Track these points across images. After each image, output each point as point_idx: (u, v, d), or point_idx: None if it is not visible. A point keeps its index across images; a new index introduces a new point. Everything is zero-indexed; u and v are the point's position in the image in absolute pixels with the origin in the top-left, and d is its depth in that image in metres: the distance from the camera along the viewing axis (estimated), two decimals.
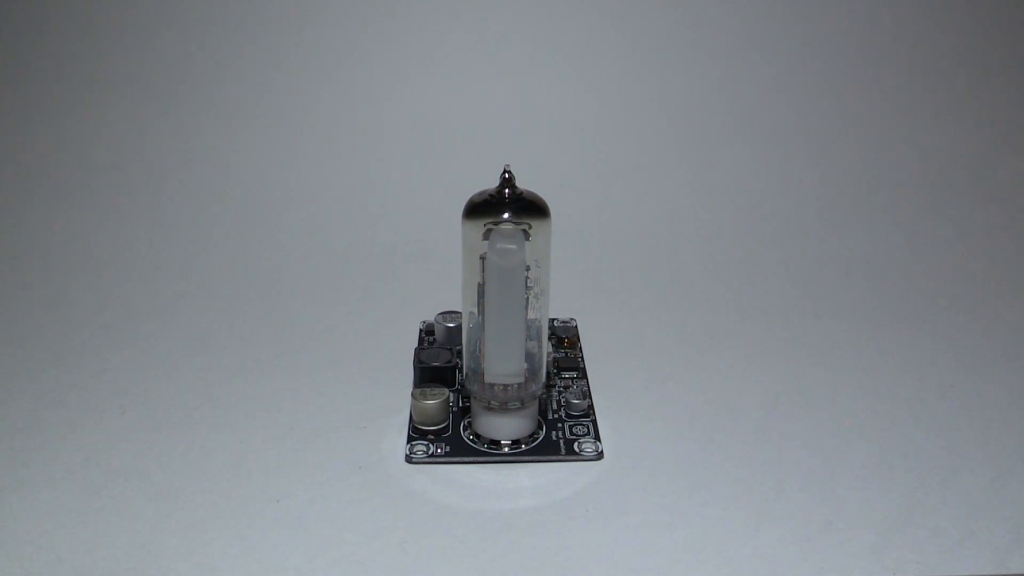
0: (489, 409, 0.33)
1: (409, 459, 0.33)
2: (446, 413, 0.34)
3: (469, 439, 0.34)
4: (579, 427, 0.34)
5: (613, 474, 0.32)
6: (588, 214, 0.50)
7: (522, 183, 0.32)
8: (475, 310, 0.33)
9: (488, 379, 0.33)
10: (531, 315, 0.33)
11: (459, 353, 0.35)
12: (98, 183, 0.51)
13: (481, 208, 0.32)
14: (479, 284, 0.32)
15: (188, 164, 0.53)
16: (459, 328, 0.38)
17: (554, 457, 0.33)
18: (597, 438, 0.34)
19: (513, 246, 0.31)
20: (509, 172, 0.32)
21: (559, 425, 0.35)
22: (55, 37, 0.54)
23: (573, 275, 0.46)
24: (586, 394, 0.36)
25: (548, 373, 0.36)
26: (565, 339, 0.40)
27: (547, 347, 0.35)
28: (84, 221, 0.50)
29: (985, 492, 0.31)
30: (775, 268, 0.47)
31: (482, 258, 0.32)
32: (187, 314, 0.43)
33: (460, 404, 0.36)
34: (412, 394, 0.34)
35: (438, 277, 0.46)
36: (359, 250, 0.48)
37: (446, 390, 0.35)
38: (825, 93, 0.53)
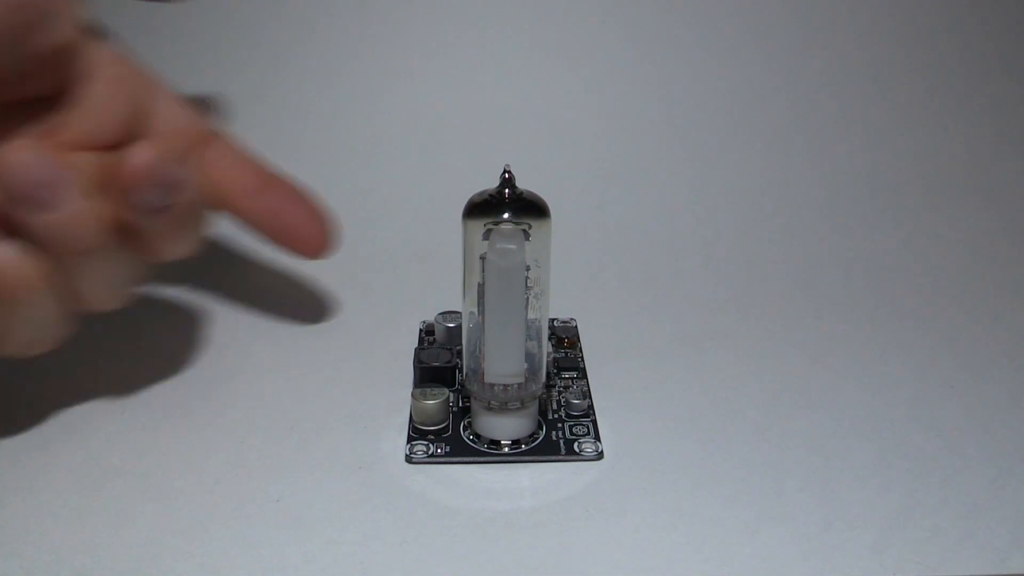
0: (489, 409, 0.33)
1: (409, 459, 0.33)
2: (446, 413, 0.34)
3: (469, 439, 0.34)
4: (579, 427, 0.34)
5: (613, 474, 0.32)
6: (588, 214, 0.50)
7: (522, 183, 0.32)
8: (475, 310, 0.33)
9: (488, 379, 0.33)
10: (531, 315, 0.33)
11: (459, 353, 0.35)
12: None
13: (481, 208, 0.32)
14: (479, 284, 0.32)
15: None
16: (459, 328, 0.38)
17: (554, 457, 0.33)
18: (597, 438, 0.34)
19: (513, 246, 0.31)
20: (509, 172, 0.32)
21: (559, 425, 0.35)
22: None
23: (573, 275, 0.46)
24: (586, 394, 0.36)
25: (548, 373, 0.36)
26: (565, 339, 0.40)
27: (547, 347, 0.35)
28: None
29: (985, 492, 0.31)
30: (775, 268, 0.47)
31: (482, 258, 0.32)
32: (187, 314, 0.43)
33: (460, 404, 0.36)
34: (412, 394, 0.34)
35: (438, 277, 0.46)
36: (359, 250, 0.48)
37: (446, 390, 0.35)
38: (825, 93, 0.53)
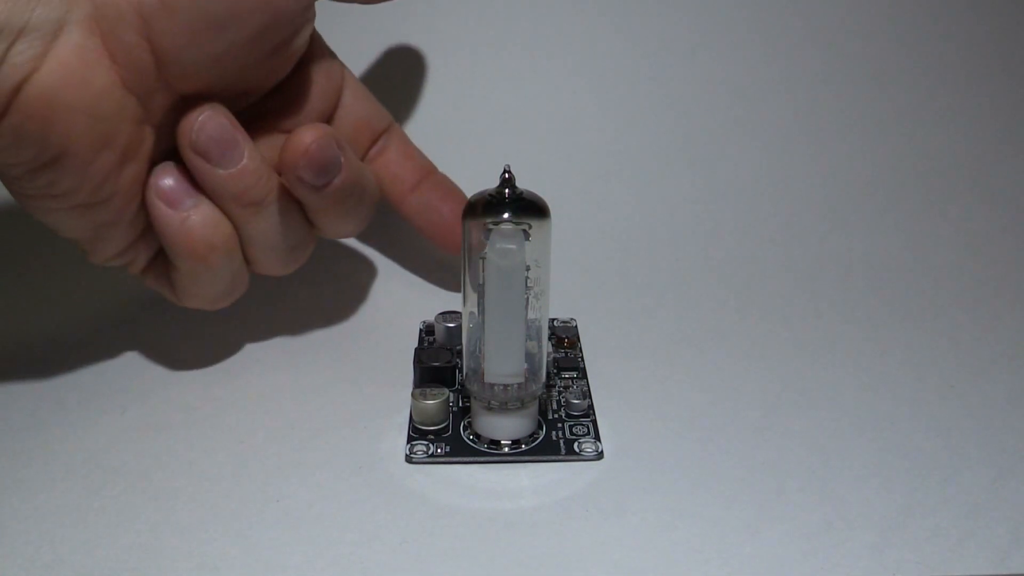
0: (489, 409, 0.33)
1: (409, 459, 0.33)
2: (446, 413, 0.34)
3: (469, 439, 0.34)
4: (579, 427, 0.34)
5: (613, 474, 0.32)
6: (588, 214, 0.50)
7: (522, 183, 0.32)
8: (475, 310, 0.33)
9: (488, 379, 0.33)
10: (531, 315, 0.33)
11: (459, 353, 0.35)
12: None
13: (481, 208, 0.32)
14: (479, 284, 0.32)
15: None
16: (459, 328, 0.38)
17: (554, 457, 0.33)
18: (597, 438, 0.34)
19: (513, 246, 0.31)
20: (509, 172, 0.32)
21: (559, 425, 0.35)
22: None
23: (573, 275, 0.46)
24: (586, 394, 0.36)
25: (548, 373, 0.36)
26: (565, 339, 0.40)
27: (547, 347, 0.35)
28: None
29: (985, 492, 0.31)
30: (775, 267, 0.47)
31: (482, 258, 0.32)
32: (187, 313, 0.43)
33: (460, 404, 0.36)
34: (412, 394, 0.34)
35: (438, 277, 0.46)
36: (359, 250, 0.48)
37: (446, 390, 0.35)
38: (825, 92, 0.53)
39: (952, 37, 0.54)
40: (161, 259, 0.37)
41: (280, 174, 0.35)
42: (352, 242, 0.48)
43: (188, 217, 0.34)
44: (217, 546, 0.29)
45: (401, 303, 0.44)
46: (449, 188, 0.43)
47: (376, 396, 0.37)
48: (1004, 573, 0.28)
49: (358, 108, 0.40)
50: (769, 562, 0.28)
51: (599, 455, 0.33)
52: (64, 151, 0.31)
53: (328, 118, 0.39)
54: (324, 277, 0.46)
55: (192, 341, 0.41)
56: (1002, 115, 0.54)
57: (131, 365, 0.39)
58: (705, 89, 0.53)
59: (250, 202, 0.35)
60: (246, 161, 0.34)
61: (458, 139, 0.51)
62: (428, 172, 0.42)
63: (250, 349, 0.40)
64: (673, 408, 0.36)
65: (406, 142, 0.42)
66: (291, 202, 0.36)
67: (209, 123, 0.33)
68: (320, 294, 0.45)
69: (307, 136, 0.34)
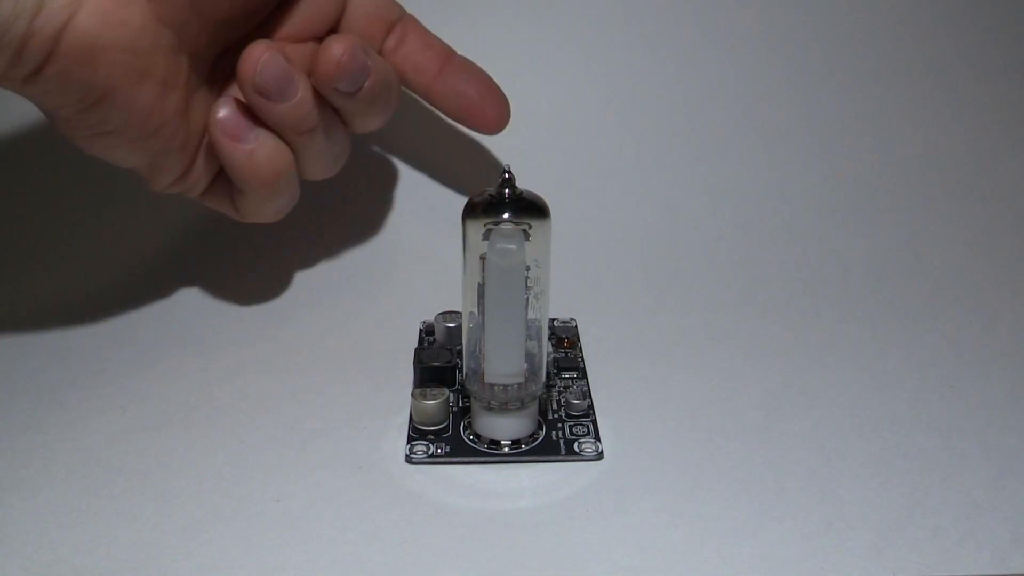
0: (489, 409, 0.33)
1: (409, 459, 0.33)
2: (446, 413, 0.34)
3: (469, 439, 0.34)
4: (579, 427, 0.34)
5: (613, 474, 0.32)
6: (588, 214, 0.50)
7: (522, 183, 0.32)
8: (475, 310, 0.33)
9: (488, 379, 0.33)
10: (531, 315, 0.33)
11: (459, 353, 0.35)
12: (97, 181, 0.51)
13: (481, 208, 0.32)
14: (479, 284, 0.32)
15: None
16: (459, 328, 0.38)
17: (554, 457, 0.33)
18: (597, 438, 0.34)
19: (513, 246, 0.31)
20: (509, 172, 0.32)
21: (559, 425, 0.35)
22: None
23: (573, 275, 0.46)
24: (586, 394, 0.36)
25: (548, 373, 0.36)
26: (565, 339, 0.40)
27: (547, 347, 0.35)
28: (84, 219, 0.50)
29: (985, 492, 0.31)
30: (776, 268, 0.47)
31: (482, 258, 0.32)
32: (187, 313, 0.43)
33: (460, 404, 0.36)
34: (412, 394, 0.35)
35: (438, 277, 0.46)
36: (359, 250, 0.48)
37: (446, 390, 0.35)
38: (825, 92, 0.53)
39: (953, 37, 0.54)
40: (220, 182, 0.39)
41: (315, 87, 0.36)
42: (352, 242, 0.48)
43: (254, 151, 0.36)
44: (217, 546, 0.29)
45: (401, 303, 0.44)
46: (473, 70, 0.43)
47: (376, 396, 0.37)
48: (1004, 573, 0.28)
49: (367, 2, 0.40)
50: (769, 562, 0.28)
51: (599, 455, 0.33)
52: (108, 90, 0.33)
53: (339, 16, 0.39)
54: (324, 277, 0.46)
55: (191, 341, 0.41)
56: (1002, 114, 0.54)
57: (131, 365, 0.39)
58: (705, 89, 0.53)
59: (306, 129, 0.37)
60: (301, 93, 0.36)
61: (458, 139, 0.51)
62: (448, 56, 0.43)
63: (249, 349, 0.40)
64: (673, 408, 0.36)
65: (422, 29, 0.43)
66: (334, 114, 0.38)
67: (269, 64, 0.35)
68: (320, 294, 0.45)
69: (337, 49, 0.35)
